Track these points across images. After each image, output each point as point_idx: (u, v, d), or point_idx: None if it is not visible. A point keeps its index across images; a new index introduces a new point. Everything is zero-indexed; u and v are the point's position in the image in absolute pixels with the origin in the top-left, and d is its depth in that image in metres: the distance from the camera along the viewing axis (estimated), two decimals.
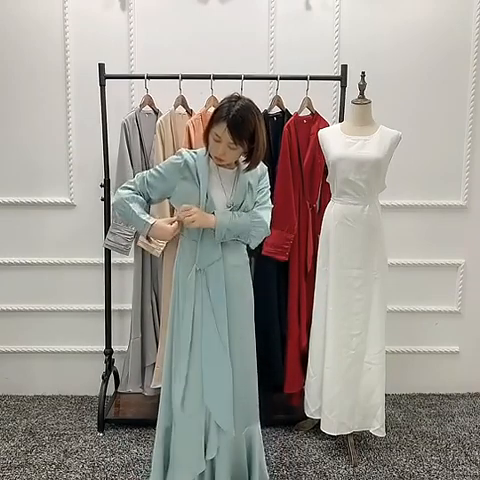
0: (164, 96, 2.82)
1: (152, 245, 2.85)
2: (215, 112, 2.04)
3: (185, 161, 2.12)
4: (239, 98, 2.04)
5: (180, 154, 2.15)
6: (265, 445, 2.54)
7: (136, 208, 2.10)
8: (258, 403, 2.32)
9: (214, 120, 2.03)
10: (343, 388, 2.66)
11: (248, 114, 2.01)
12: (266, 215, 2.19)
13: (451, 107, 3.21)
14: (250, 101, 2.05)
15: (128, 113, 2.91)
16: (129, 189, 2.15)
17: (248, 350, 2.24)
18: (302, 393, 2.87)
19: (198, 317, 2.14)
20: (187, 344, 2.15)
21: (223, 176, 2.15)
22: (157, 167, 2.17)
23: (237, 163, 2.17)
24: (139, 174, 2.19)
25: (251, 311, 2.26)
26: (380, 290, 2.67)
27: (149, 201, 2.19)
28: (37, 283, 3.29)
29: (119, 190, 2.16)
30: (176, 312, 2.20)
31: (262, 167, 2.22)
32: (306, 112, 2.88)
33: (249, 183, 2.16)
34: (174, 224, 2.11)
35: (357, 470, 2.65)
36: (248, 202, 2.16)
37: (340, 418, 2.66)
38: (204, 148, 2.16)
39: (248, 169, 2.13)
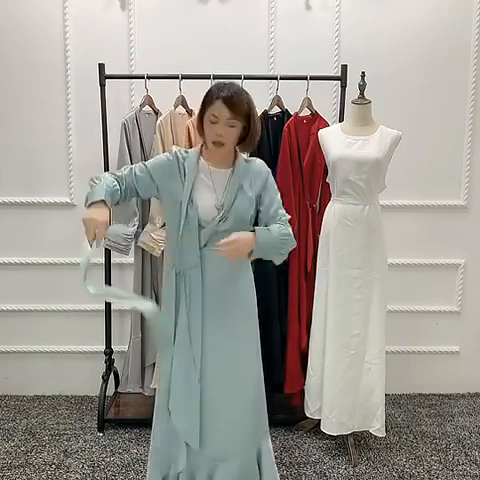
0: (164, 96, 2.83)
1: (152, 245, 2.85)
2: (205, 97, 1.97)
3: (175, 158, 2.04)
4: (225, 83, 1.99)
5: (171, 152, 2.07)
6: None
7: (105, 183, 1.93)
8: (265, 418, 2.21)
9: (207, 103, 1.96)
10: (343, 388, 2.66)
11: (239, 89, 1.97)
12: (290, 229, 2.05)
13: (451, 107, 3.21)
14: (237, 84, 2.01)
15: (128, 113, 2.91)
16: (113, 175, 2.00)
17: (244, 365, 2.09)
18: (302, 393, 2.88)
19: (173, 323, 2.05)
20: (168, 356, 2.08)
21: (215, 176, 2.03)
22: (147, 162, 2.07)
23: (235, 160, 2.06)
24: (129, 166, 2.07)
25: (251, 324, 2.12)
26: (380, 290, 2.67)
27: (137, 195, 2.06)
28: (37, 283, 3.29)
29: (104, 173, 2.02)
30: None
31: (261, 172, 2.07)
32: (306, 112, 2.88)
33: (242, 186, 2.02)
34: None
35: (357, 470, 2.65)
36: (240, 204, 2.01)
37: (340, 418, 2.66)
38: (195, 148, 2.10)
39: (244, 150, 2.06)
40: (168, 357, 2.08)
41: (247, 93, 2.00)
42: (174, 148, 2.11)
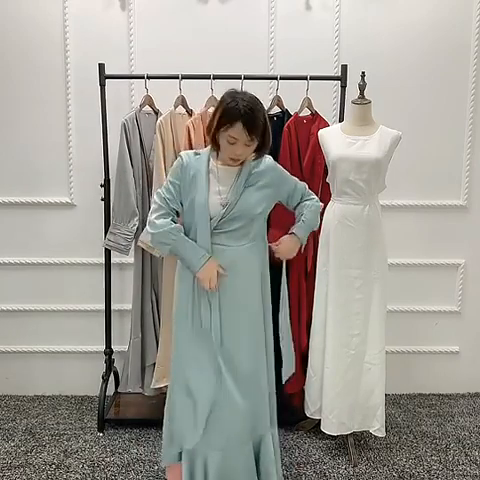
0: (164, 96, 2.82)
1: (152, 245, 2.85)
2: (223, 114, 1.99)
3: (186, 162, 2.12)
4: (238, 92, 2.03)
5: (180, 157, 2.16)
6: None
7: (188, 239, 2.09)
8: (269, 411, 2.25)
9: (224, 122, 1.99)
10: (343, 388, 2.66)
11: (257, 106, 2.01)
12: (311, 197, 2.31)
13: (451, 107, 3.21)
14: (249, 93, 2.05)
15: (128, 113, 2.90)
16: (163, 217, 2.10)
17: (246, 358, 2.16)
18: (302, 393, 2.87)
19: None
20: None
21: (222, 175, 2.10)
22: (167, 181, 2.15)
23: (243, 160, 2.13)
24: (157, 197, 2.14)
25: (255, 319, 2.19)
26: (380, 290, 2.67)
27: (178, 214, 2.19)
28: (37, 283, 3.29)
29: (155, 220, 2.09)
30: None
31: (268, 168, 2.16)
32: (306, 112, 2.88)
33: (249, 183, 2.11)
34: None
35: (357, 470, 2.65)
36: (246, 200, 2.08)
37: (340, 418, 2.66)
38: (206, 149, 2.16)
39: (257, 158, 2.13)
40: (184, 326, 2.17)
41: (260, 102, 2.04)
42: (182, 153, 2.18)
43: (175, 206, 2.14)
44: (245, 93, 2.03)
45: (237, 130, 1.97)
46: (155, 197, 2.16)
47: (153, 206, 2.15)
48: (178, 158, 2.16)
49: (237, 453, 2.15)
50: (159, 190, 2.17)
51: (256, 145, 2.06)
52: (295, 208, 2.31)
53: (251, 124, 1.97)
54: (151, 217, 2.12)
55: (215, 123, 2.02)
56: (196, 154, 2.16)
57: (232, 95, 2.01)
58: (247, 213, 2.09)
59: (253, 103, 2.00)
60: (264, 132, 2.05)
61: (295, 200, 2.28)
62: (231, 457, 2.14)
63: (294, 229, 2.28)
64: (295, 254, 2.31)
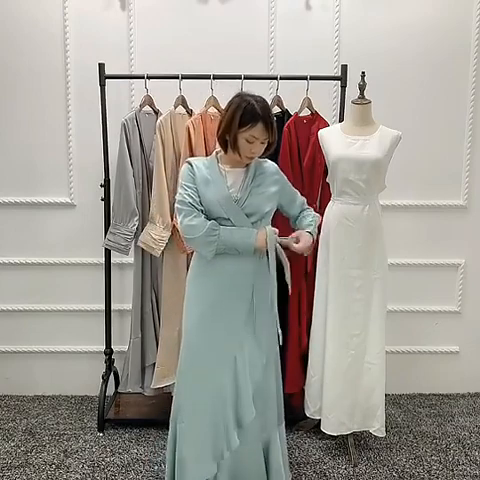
0: (164, 96, 2.83)
1: (152, 245, 2.85)
2: (244, 114, 2.06)
3: (196, 166, 2.17)
4: (249, 95, 2.11)
5: (189, 163, 2.19)
6: None
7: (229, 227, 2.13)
8: (277, 407, 2.32)
9: (246, 123, 2.06)
10: (343, 388, 2.65)
11: (269, 106, 2.13)
12: (310, 211, 2.41)
13: (451, 107, 3.21)
14: (256, 94, 2.15)
15: (128, 113, 2.90)
16: (196, 217, 2.10)
17: (255, 357, 2.23)
18: (302, 393, 2.87)
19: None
20: None
21: (231, 176, 2.19)
22: (184, 185, 2.15)
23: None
24: (180, 204, 2.13)
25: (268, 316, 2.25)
26: (380, 290, 2.66)
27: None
28: (37, 283, 3.29)
29: (190, 223, 2.09)
30: None
31: (273, 170, 2.27)
32: (306, 112, 2.88)
33: (256, 182, 2.19)
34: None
35: (357, 470, 2.65)
36: (255, 199, 2.16)
37: (340, 418, 2.66)
38: (210, 156, 2.23)
39: (262, 156, 2.20)
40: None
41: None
42: (190, 159, 2.23)
43: (200, 207, 2.13)
44: (254, 94, 2.12)
45: (258, 129, 2.07)
46: (178, 205, 2.14)
47: (181, 213, 2.13)
48: (186, 165, 2.19)
49: (247, 452, 2.21)
50: (179, 198, 2.15)
51: (267, 143, 2.16)
52: (296, 219, 2.39)
53: (270, 123, 2.09)
54: (184, 222, 2.11)
55: (236, 124, 2.08)
56: (206, 161, 2.22)
57: (245, 97, 2.10)
58: (257, 210, 2.16)
59: (266, 103, 2.12)
60: (274, 130, 2.15)
61: (296, 209, 2.38)
62: (241, 457, 2.20)
63: (307, 229, 2.32)
64: (310, 251, 2.34)
